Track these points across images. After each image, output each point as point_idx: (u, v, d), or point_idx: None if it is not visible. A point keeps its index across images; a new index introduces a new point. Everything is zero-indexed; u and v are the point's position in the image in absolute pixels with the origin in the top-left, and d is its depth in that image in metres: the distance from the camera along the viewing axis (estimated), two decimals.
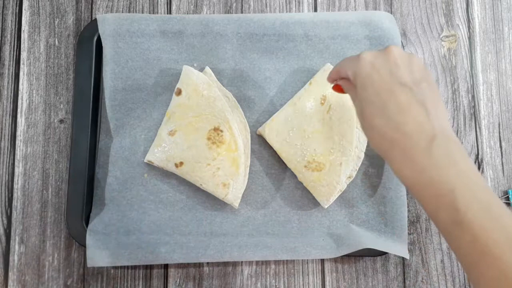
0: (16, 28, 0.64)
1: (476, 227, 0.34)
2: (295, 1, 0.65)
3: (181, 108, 0.58)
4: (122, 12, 0.64)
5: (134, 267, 0.59)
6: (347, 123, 0.58)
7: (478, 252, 0.34)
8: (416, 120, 0.37)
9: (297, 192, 0.60)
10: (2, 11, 0.64)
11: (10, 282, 0.59)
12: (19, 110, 0.62)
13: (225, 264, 0.60)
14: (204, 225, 0.59)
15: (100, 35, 0.60)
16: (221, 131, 0.57)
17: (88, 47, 0.61)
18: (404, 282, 0.60)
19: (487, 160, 0.64)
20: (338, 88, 0.49)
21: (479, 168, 0.63)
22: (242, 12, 0.65)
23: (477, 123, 0.64)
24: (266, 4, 0.65)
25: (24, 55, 0.63)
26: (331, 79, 0.47)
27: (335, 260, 0.60)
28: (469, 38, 0.66)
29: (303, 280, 0.60)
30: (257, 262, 0.60)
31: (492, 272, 0.34)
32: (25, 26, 0.64)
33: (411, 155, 0.37)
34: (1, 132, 0.62)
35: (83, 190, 0.58)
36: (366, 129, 0.41)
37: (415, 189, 0.38)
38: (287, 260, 0.60)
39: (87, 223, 0.58)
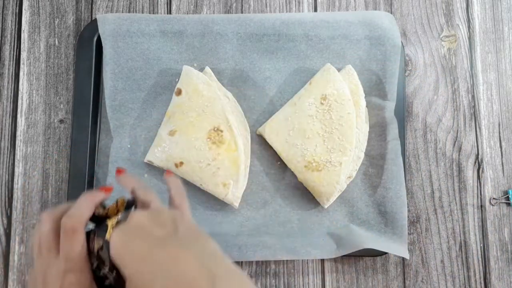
0: (16, 28, 0.64)
1: None
2: (295, 1, 0.65)
3: (181, 108, 0.58)
4: (122, 12, 0.64)
5: None
6: (347, 123, 0.58)
7: None
8: (190, 269, 0.33)
9: (297, 192, 0.60)
10: (2, 11, 0.64)
11: (10, 282, 0.58)
12: (19, 110, 0.62)
13: None
14: (204, 225, 0.59)
15: (100, 35, 0.60)
16: (221, 131, 0.57)
17: (88, 47, 0.61)
18: (404, 282, 0.60)
19: (487, 160, 0.64)
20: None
21: (479, 168, 0.63)
22: (242, 12, 0.65)
23: (477, 123, 0.64)
24: (266, 4, 0.65)
25: (24, 55, 0.63)
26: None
27: (335, 260, 0.60)
28: (469, 38, 0.66)
29: (303, 280, 0.60)
30: (257, 262, 0.60)
31: None
32: (25, 26, 0.64)
33: None
34: (1, 132, 0.62)
35: (83, 190, 0.58)
36: None
37: None
38: (287, 260, 0.60)
39: None
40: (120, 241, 0.35)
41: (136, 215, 0.36)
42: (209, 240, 0.36)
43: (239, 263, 0.60)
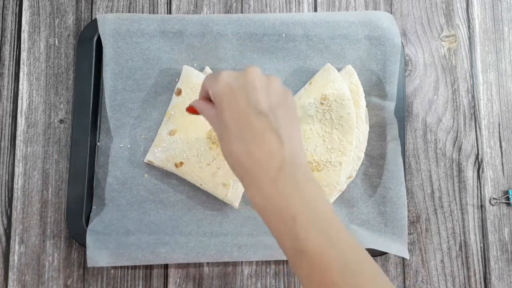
0: (16, 28, 0.64)
1: (315, 254, 0.35)
2: (295, 1, 0.65)
3: (181, 108, 0.58)
4: (122, 12, 0.64)
5: (134, 267, 0.59)
6: (347, 123, 0.58)
7: (317, 279, 0.35)
8: (269, 148, 0.38)
9: None
10: (2, 11, 0.64)
11: (10, 282, 0.59)
12: (19, 110, 0.62)
13: (225, 264, 0.60)
14: (204, 225, 0.59)
15: (100, 35, 0.60)
16: None
17: (88, 47, 0.61)
18: (404, 282, 0.60)
19: (487, 160, 0.64)
20: (192, 110, 0.47)
21: (479, 168, 0.63)
22: (242, 12, 0.65)
23: (477, 123, 0.64)
24: (266, 4, 0.65)
25: (24, 55, 0.63)
26: (200, 96, 0.46)
27: None
28: (469, 38, 0.66)
29: None
30: (257, 262, 0.60)
31: None
32: (25, 26, 0.64)
33: (260, 183, 0.38)
34: (1, 132, 0.62)
35: (83, 190, 0.58)
36: (225, 153, 0.40)
37: (263, 215, 0.38)
38: (287, 260, 0.60)
39: (87, 223, 0.58)
40: (228, 82, 0.39)
41: (251, 70, 0.40)
42: (297, 131, 0.41)
43: (239, 263, 0.60)
